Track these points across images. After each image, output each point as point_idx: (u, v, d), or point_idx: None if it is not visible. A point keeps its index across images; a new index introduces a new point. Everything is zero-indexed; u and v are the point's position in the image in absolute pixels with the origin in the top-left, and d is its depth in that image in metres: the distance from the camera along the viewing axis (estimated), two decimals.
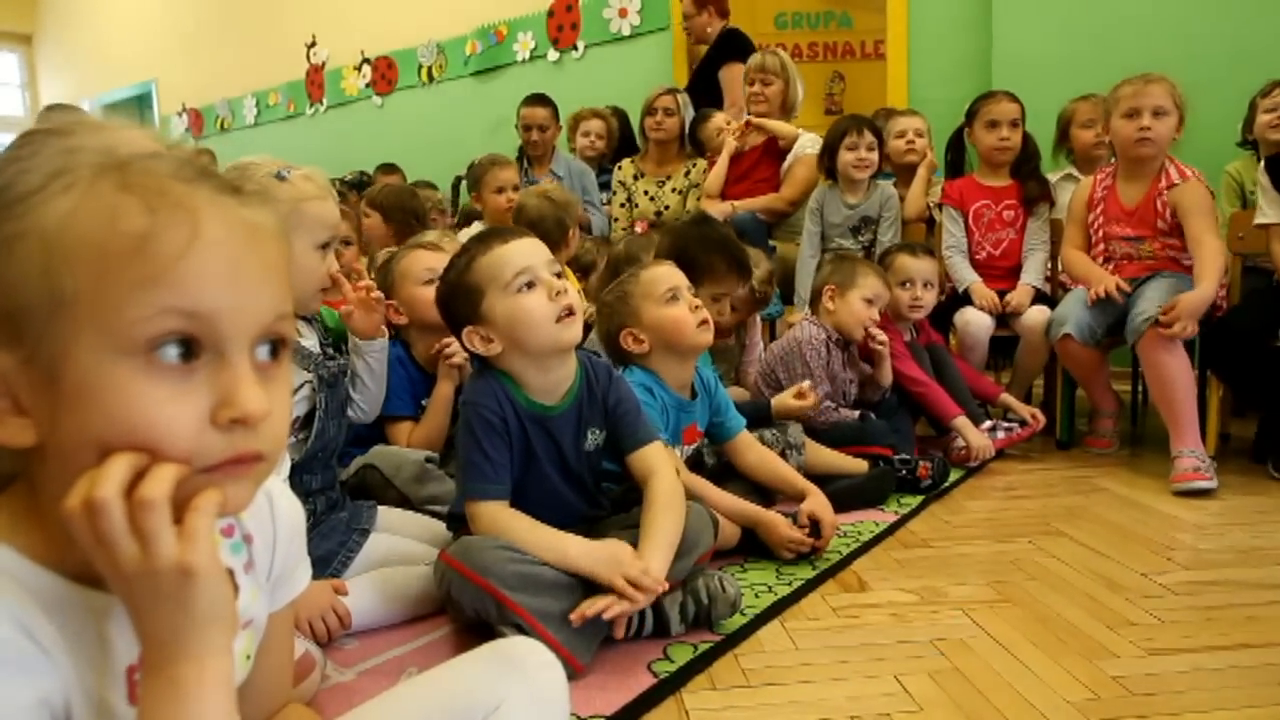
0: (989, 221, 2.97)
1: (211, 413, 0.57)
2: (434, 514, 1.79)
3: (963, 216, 2.98)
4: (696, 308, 1.80)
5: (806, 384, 2.30)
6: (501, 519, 1.42)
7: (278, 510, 0.76)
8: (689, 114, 4.01)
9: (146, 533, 0.53)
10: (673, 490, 1.51)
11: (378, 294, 1.80)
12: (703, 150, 3.91)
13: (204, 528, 0.56)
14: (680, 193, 3.95)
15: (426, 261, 2.09)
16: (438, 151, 5.82)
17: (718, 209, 3.45)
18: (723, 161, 3.64)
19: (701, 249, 2.25)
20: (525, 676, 0.92)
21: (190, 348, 0.56)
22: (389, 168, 5.31)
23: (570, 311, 1.47)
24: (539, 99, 4.31)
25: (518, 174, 3.47)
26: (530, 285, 1.45)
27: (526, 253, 1.48)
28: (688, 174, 3.96)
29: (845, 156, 3.08)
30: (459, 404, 1.59)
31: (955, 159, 3.62)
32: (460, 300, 1.49)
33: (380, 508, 1.73)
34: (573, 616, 1.33)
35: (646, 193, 4.01)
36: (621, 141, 4.56)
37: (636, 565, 1.37)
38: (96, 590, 0.60)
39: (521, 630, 1.33)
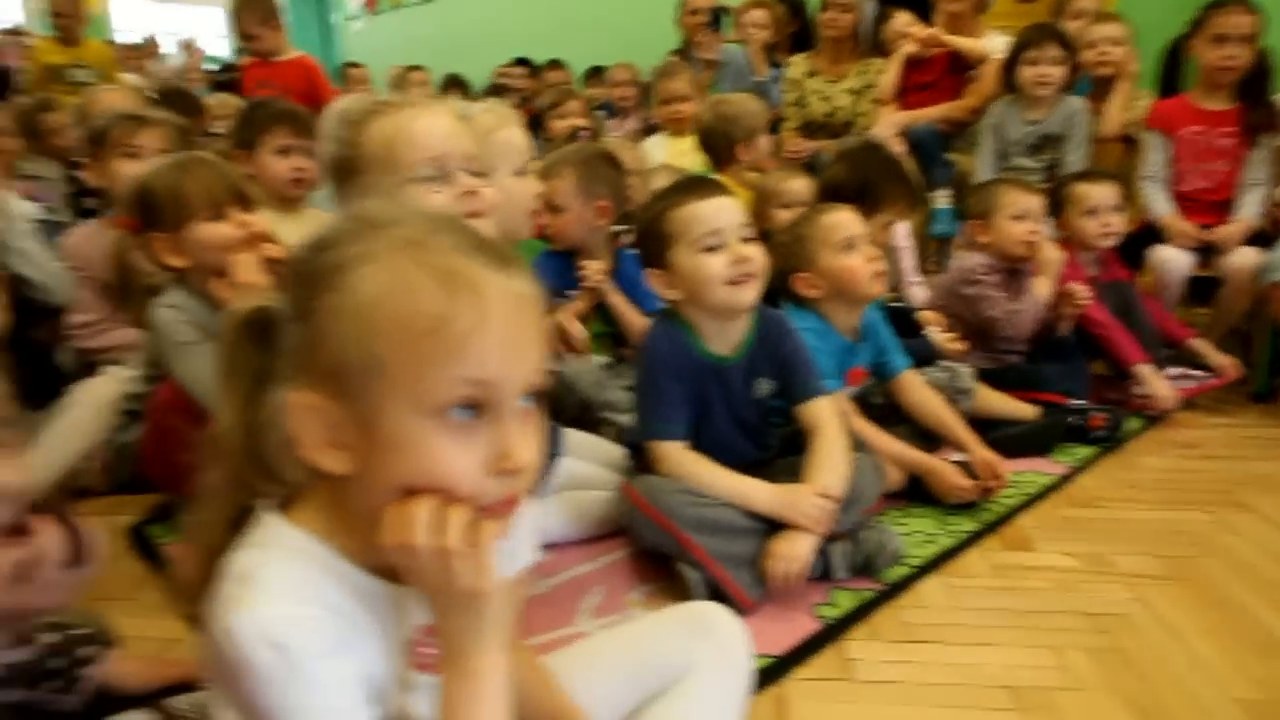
0: (1200, 150, 2.72)
1: (490, 462, 0.67)
2: (607, 421, 1.93)
3: (1168, 143, 2.74)
4: (872, 258, 1.79)
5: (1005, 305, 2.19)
6: (685, 462, 1.53)
7: None
8: (871, 9, 3.79)
9: (449, 569, 0.66)
10: (839, 445, 1.58)
11: None
12: (885, 51, 3.71)
13: (490, 558, 0.67)
14: (854, 94, 3.79)
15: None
16: (606, 37, 5.75)
17: (892, 119, 3.31)
18: (895, 65, 3.46)
19: (884, 177, 2.21)
20: (716, 642, 1.02)
21: (475, 409, 0.66)
22: (554, 63, 5.29)
23: (749, 277, 1.51)
24: None
25: (688, 82, 3.40)
26: (716, 247, 1.50)
27: (719, 213, 1.53)
28: (863, 73, 3.78)
29: (1026, 72, 2.87)
30: (640, 347, 1.67)
31: (1169, 74, 3.29)
32: (651, 243, 1.57)
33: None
34: (772, 576, 1.43)
35: (818, 92, 3.87)
36: (798, 34, 4.35)
37: (814, 500, 1.47)
38: (389, 583, 0.73)
39: (698, 568, 1.46)
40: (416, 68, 5.53)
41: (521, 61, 5.83)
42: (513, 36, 6.51)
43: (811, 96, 3.85)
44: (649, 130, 3.96)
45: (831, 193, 2.16)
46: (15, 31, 7.12)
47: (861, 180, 2.15)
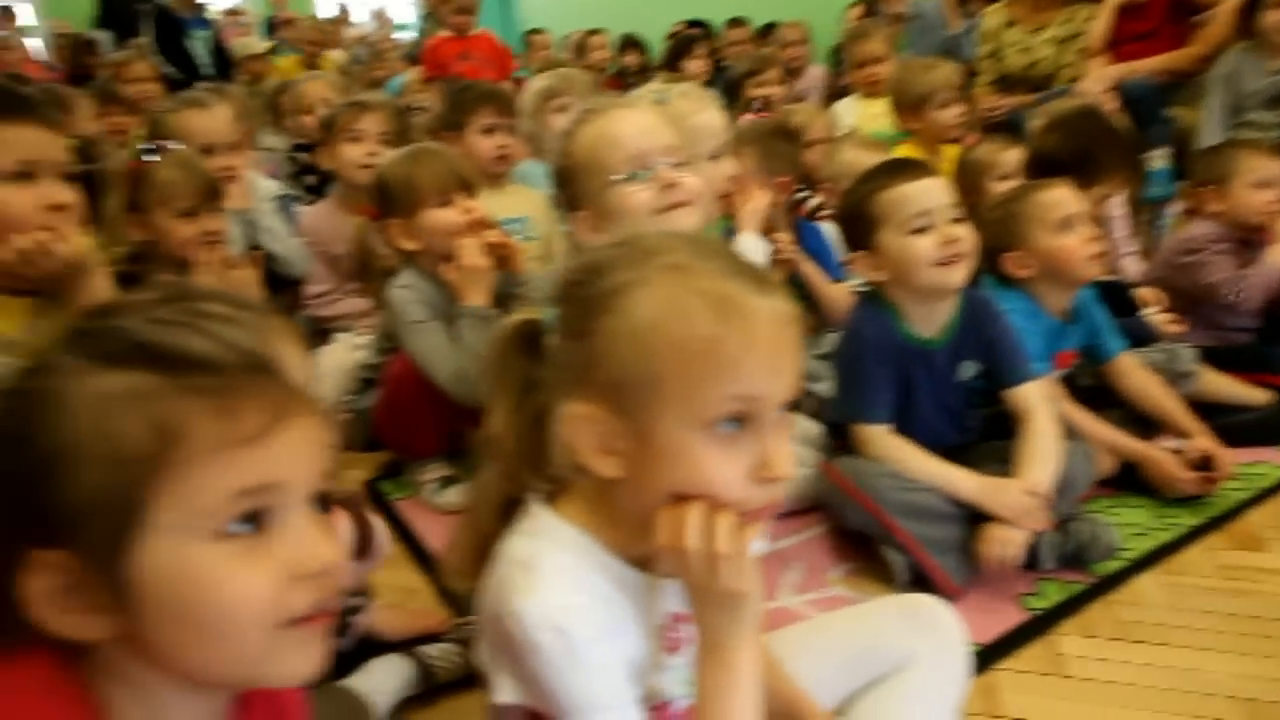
0: None
1: (752, 471, 0.72)
2: (805, 391, 1.96)
3: None
4: (1090, 238, 1.70)
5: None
6: (891, 445, 1.53)
7: None
8: None
9: (716, 570, 0.71)
10: (1049, 430, 1.53)
11: None
12: None
13: (750, 562, 0.73)
14: (1058, 44, 3.53)
15: None
16: None
17: (1104, 73, 3.07)
18: (1106, 12, 3.20)
19: (1103, 147, 2.08)
20: (935, 635, 1.04)
21: (740, 421, 0.71)
22: (735, 21, 5.22)
23: (958, 257, 1.49)
24: None
25: (883, 42, 3.28)
26: (925, 229, 1.48)
27: (927, 194, 1.51)
28: (1067, 21, 3.52)
29: (1271, 16, 2.57)
30: (843, 327, 1.68)
31: None
32: (856, 225, 1.57)
33: None
34: (987, 560, 1.43)
35: (1016, 44, 3.63)
36: None
37: (1023, 494, 1.44)
38: (645, 573, 0.80)
39: (901, 551, 1.47)
40: (596, 32, 5.60)
41: (695, 24, 5.77)
42: None
43: (1009, 49, 3.62)
44: (836, 94, 3.87)
45: (1044, 164, 2.05)
46: (234, 12, 7.78)
47: (1078, 151, 2.03)
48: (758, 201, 1.79)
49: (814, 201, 2.58)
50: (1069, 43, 3.48)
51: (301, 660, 0.58)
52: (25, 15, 9.14)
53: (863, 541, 1.56)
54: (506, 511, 0.83)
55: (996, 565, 1.43)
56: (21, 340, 1.13)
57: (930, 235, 1.48)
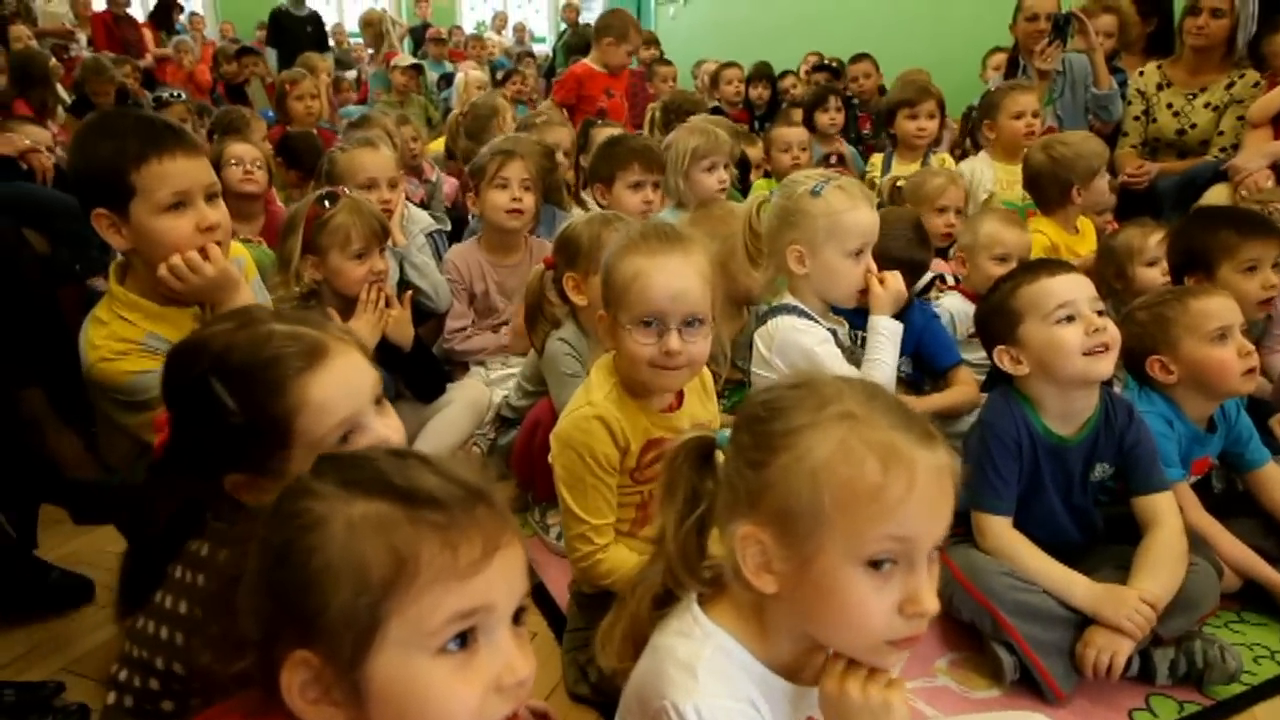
0: None
1: (899, 605, 0.79)
2: None
3: None
4: (1246, 353, 1.66)
5: None
6: (1010, 541, 1.54)
7: None
8: (1250, 15, 3.36)
9: (868, 695, 0.80)
10: (1176, 543, 1.52)
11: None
12: (1262, 65, 3.29)
13: (903, 711, 0.81)
14: (1215, 109, 3.40)
15: None
16: (926, 30, 5.54)
17: (1267, 149, 2.95)
18: None
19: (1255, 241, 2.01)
20: None
21: (895, 559, 0.79)
22: (860, 57, 5.16)
23: (1105, 347, 1.50)
24: None
25: (1036, 98, 3.20)
26: (1070, 318, 1.50)
27: (1072, 287, 1.54)
28: (1230, 86, 3.38)
29: None
30: (978, 418, 1.69)
31: None
32: (998, 320, 1.59)
33: None
34: (1087, 665, 1.43)
35: (1170, 106, 3.51)
36: (1156, 34, 3.95)
37: (1141, 608, 1.43)
38: (792, 683, 0.87)
39: (1011, 649, 1.48)
40: (730, 65, 5.66)
41: (821, 68, 5.74)
42: (825, 27, 6.47)
43: (1162, 111, 3.51)
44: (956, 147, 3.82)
45: (1190, 258, 2.01)
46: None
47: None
48: (893, 285, 1.82)
49: (927, 278, 2.57)
50: (1228, 110, 3.35)
51: None
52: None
53: (972, 633, 1.57)
54: (661, 602, 0.92)
55: (1097, 673, 1.42)
56: None
57: (1076, 324, 1.50)
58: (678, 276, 1.32)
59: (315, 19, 7.26)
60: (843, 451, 0.78)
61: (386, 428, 1.01)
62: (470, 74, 5.55)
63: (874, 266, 1.82)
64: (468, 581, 0.64)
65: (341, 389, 0.97)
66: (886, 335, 1.81)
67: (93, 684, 1.50)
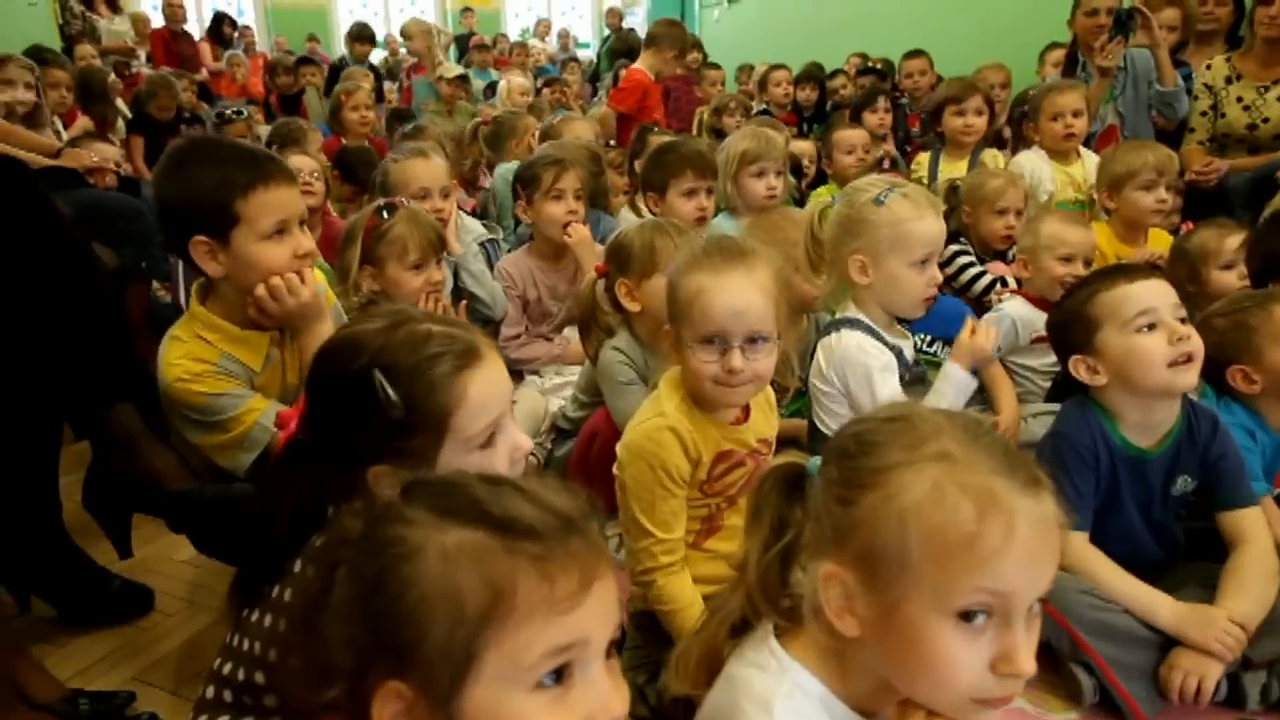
0: None
1: (992, 663, 0.73)
2: None
3: None
4: None
5: None
6: (1089, 558, 1.49)
7: None
8: None
9: None
10: (1266, 560, 1.46)
11: None
12: None
13: None
14: None
15: None
16: (976, 28, 5.43)
17: None
18: None
19: None
20: None
21: (989, 614, 0.73)
22: (915, 53, 5.05)
23: (1189, 358, 1.44)
24: None
25: (1081, 97, 3.11)
26: (1152, 326, 1.45)
27: (1152, 293, 1.48)
28: None
29: None
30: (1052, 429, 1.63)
31: None
32: (1074, 328, 1.53)
33: None
34: (1173, 689, 1.38)
35: (1240, 100, 3.38)
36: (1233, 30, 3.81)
37: (1231, 629, 1.37)
38: (864, 718, 0.83)
39: (1090, 671, 1.43)
40: (778, 67, 5.61)
41: (866, 71, 5.66)
42: (873, 27, 6.39)
43: (1232, 105, 3.38)
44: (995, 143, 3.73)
45: (1271, 262, 1.93)
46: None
47: None
48: (981, 341, 1.72)
49: (985, 280, 2.51)
50: None
51: None
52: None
53: (1048, 652, 1.51)
54: (737, 630, 0.89)
55: (1184, 697, 1.37)
56: None
57: (1159, 333, 1.44)
58: (739, 294, 1.29)
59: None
60: (935, 495, 0.73)
61: (520, 435, 1.05)
62: (513, 81, 5.57)
63: (973, 325, 1.76)
64: (565, 615, 0.62)
65: (494, 389, 1.01)
66: (953, 386, 1.72)
67: (162, 693, 1.53)
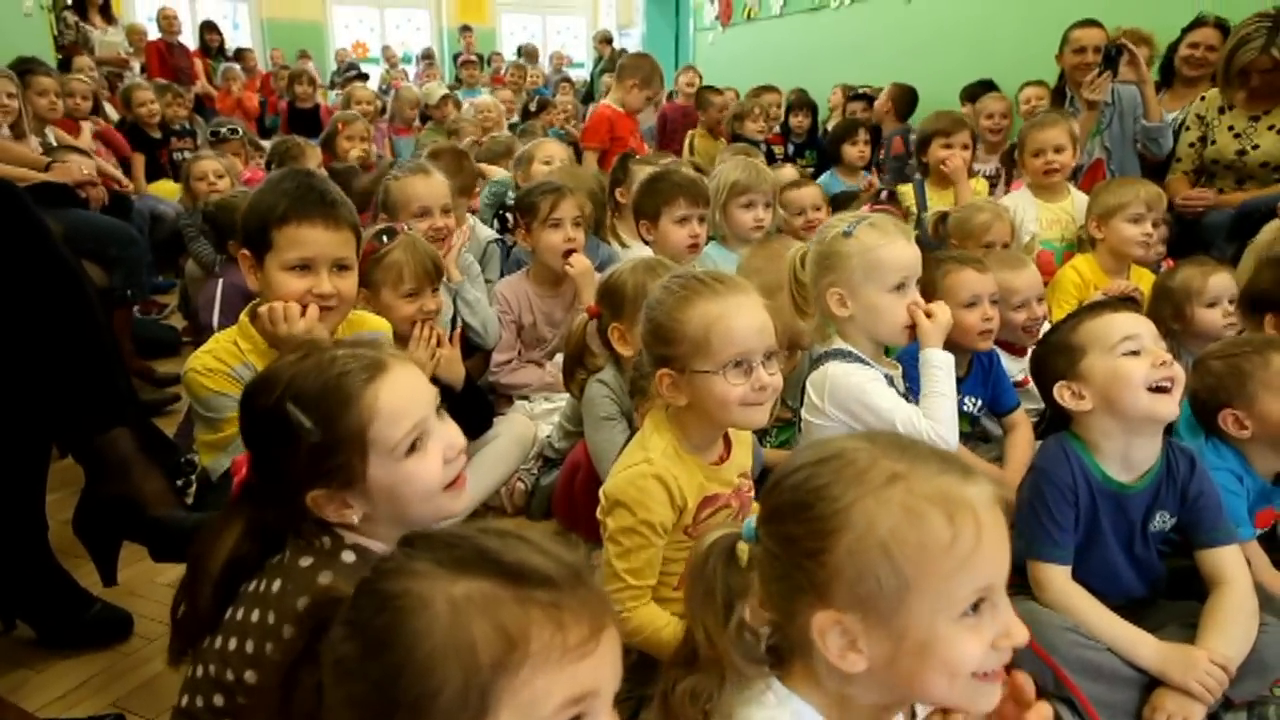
0: None
1: (994, 640, 0.77)
2: None
3: None
4: None
5: None
6: (1071, 595, 1.49)
7: None
8: None
9: None
10: (1246, 603, 1.47)
11: None
12: None
13: None
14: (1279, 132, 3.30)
15: None
16: (964, 59, 5.50)
17: None
18: None
19: None
20: None
21: (982, 603, 0.77)
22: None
23: (1171, 383, 1.47)
24: (1093, 22, 3.77)
25: (1064, 132, 3.09)
26: (1135, 352, 1.48)
27: (1136, 323, 1.52)
28: None
29: None
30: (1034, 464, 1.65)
31: None
32: (1058, 357, 1.56)
33: None
34: None
35: (1231, 128, 3.39)
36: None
37: (1213, 670, 1.38)
38: None
39: (1073, 708, 1.43)
40: (770, 88, 5.65)
41: (856, 96, 5.70)
42: (866, 53, 6.45)
43: (1222, 133, 3.39)
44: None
45: (1260, 302, 1.95)
46: (425, 55, 8.38)
47: None
48: (940, 316, 1.72)
49: None
50: None
51: None
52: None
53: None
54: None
55: None
56: None
57: (1142, 358, 1.47)
58: (754, 312, 1.33)
59: None
60: (906, 515, 0.75)
61: (452, 433, 1.07)
62: (479, 100, 5.68)
63: (920, 300, 1.75)
64: (578, 664, 0.61)
65: (407, 395, 1.02)
66: (940, 367, 1.71)
67: None
